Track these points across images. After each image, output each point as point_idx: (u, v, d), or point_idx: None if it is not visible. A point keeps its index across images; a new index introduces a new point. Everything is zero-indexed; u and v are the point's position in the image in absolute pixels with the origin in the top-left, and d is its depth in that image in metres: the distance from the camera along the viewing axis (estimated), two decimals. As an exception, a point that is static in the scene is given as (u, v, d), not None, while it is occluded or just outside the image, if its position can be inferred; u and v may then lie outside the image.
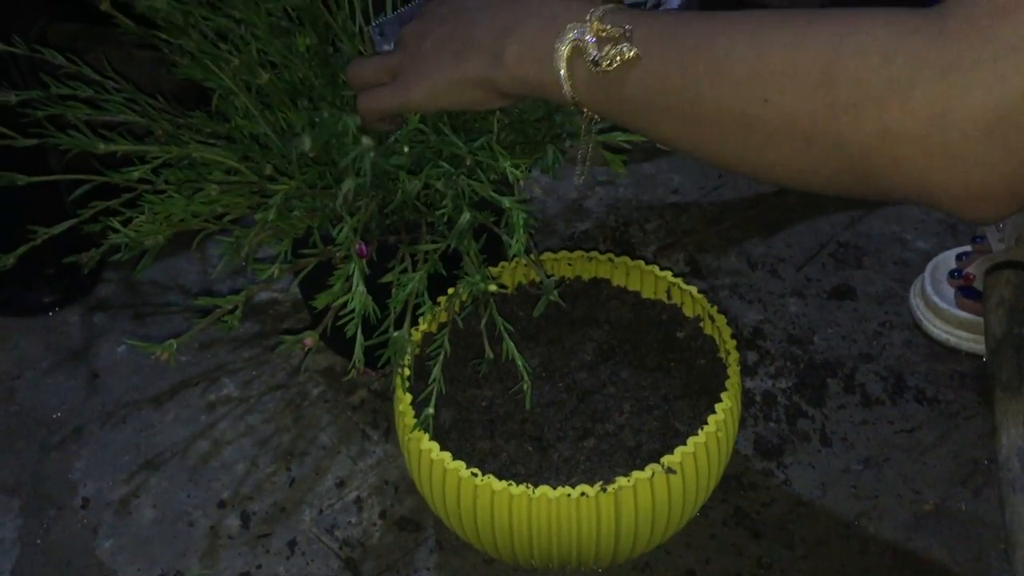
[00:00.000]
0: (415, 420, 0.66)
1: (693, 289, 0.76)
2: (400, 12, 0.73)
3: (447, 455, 0.64)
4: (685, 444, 0.64)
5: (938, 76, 0.41)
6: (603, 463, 0.67)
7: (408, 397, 0.68)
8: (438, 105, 0.62)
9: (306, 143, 0.63)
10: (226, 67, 0.72)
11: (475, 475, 0.63)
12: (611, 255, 0.79)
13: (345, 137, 0.66)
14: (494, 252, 0.76)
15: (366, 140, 0.64)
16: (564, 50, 0.54)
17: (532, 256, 0.76)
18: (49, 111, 0.73)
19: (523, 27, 0.56)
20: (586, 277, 0.81)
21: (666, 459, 0.63)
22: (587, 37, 0.53)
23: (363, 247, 0.67)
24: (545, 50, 0.55)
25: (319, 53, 0.75)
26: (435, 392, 0.68)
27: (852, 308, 0.91)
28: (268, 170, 0.69)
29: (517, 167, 0.66)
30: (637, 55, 0.51)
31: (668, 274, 0.78)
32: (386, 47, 0.72)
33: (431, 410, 0.67)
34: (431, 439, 0.65)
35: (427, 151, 0.68)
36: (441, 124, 0.70)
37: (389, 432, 0.82)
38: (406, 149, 0.66)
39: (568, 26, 0.54)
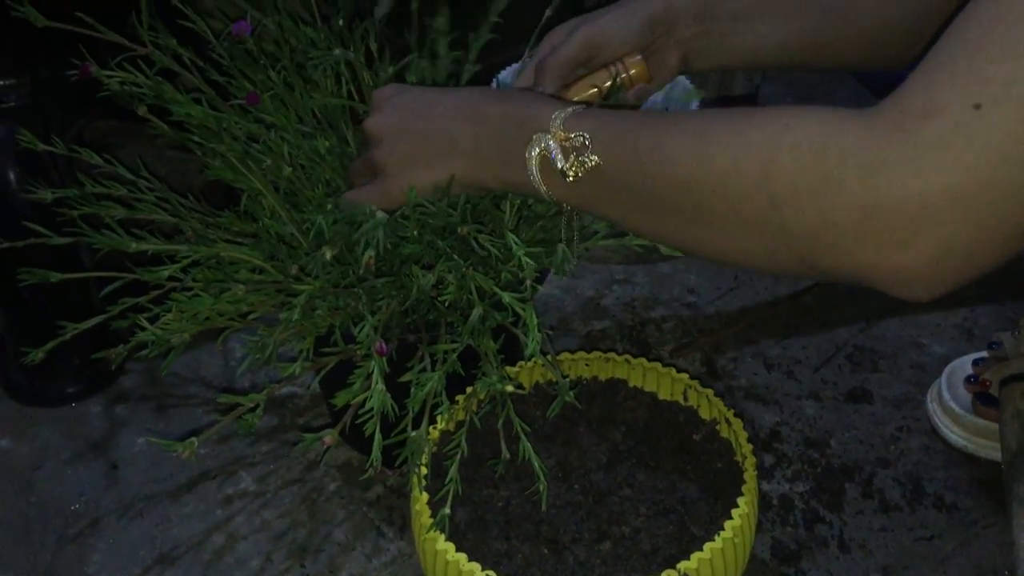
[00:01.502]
0: (431, 520, 0.66)
1: (710, 392, 0.76)
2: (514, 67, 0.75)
3: (462, 556, 0.64)
4: (701, 549, 0.64)
5: (866, 172, 0.45)
6: (619, 567, 0.66)
7: (425, 497, 0.68)
8: (421, 200, 0.66)
9: (327, 254, 0.65)
10: (255, 168, 0.74)
11: (490, 578, 0.63)
12: (628, 356, 0.80)
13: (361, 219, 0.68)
14: (512, 350, 0.76)
15: (380, 214, 0.66)
16: (534, 160, 0.59)
17: (549, 356, 0.77)
18: (84, 210, 0.75)
19: (498, 133, 0.61)
20: (603, 377, 0.81)
21: (682, 565, 0.63)
22: (552, 148, 0.57)
23: (383, 345, 0.68)
24: (518, 157, 0.59)
25: (340, 155, 0.78)
26: (451, 492, 0.68)
27: (869, 412, 0.91)
28: (294, 270, 0.71)
29: (530, 257, 0.67)
30: (598, 163, 0.56)
31: (685, 376, 0.78)
32: None
33: (447, 510, 0.67)
34: (447, 539, 0.65)
35: (436, 238, 0.70)
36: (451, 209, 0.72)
37: (404, 529, 0.82)
38: (416, 233, 0.68)
39: (535, 137, 0.58)
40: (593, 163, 0.56)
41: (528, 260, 0.67)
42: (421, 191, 0.65)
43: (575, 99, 0.73)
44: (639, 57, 0.72)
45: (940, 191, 0.44)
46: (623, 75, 0.72)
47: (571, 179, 0.57)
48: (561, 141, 0.57)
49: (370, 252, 0.65)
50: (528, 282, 0.69)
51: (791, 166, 0.47)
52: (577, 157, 0.56)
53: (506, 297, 0.67)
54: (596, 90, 0.72)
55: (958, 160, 0.43)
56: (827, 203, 0.46)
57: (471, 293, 0.70)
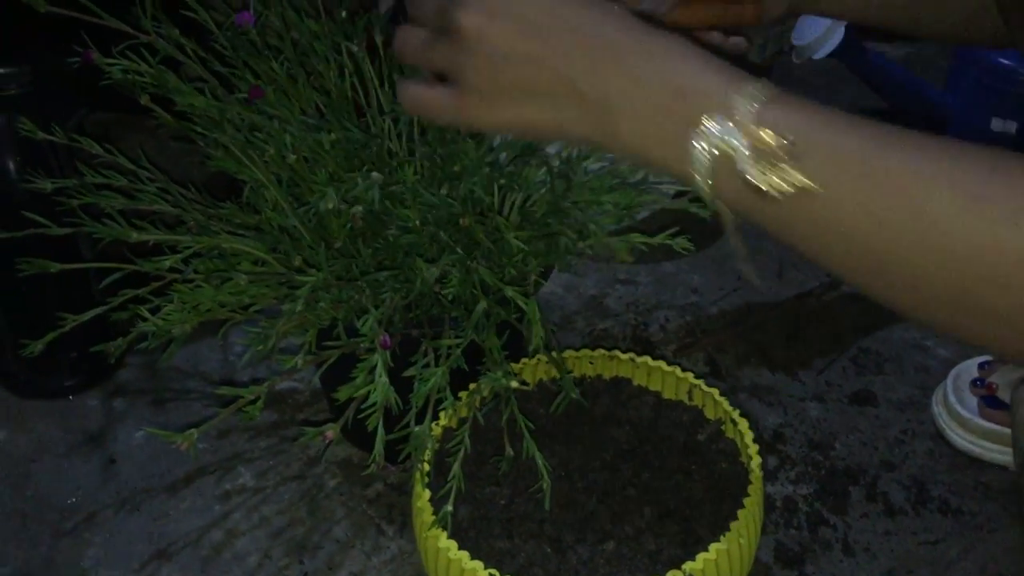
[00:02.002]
0: (433, 518, 0.66)
1: (715, 391, 0.76)
2: None
3: (465, 554, 0.63)
4: (707, 550, 0.63)
5: None
6: (623, 568, 0.66)
7: (427, 494, 0.67)
8: (502, 132, 0.53)
9: (331, 199, 0.64)
10: (258, 159, 0.73)
11: (493, 577, 0.62)
12: (632, 355, 0.79)
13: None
14: (516, 347, 0.76)
15: (376, 175, 0.66)
16: (705, 155, 0.42)
17: (553, 353, 0.76)
18: (84, 200, 0.74)
19: (641, 90, 0.44)
20: (607, 376, 0.81)
21: (688, 566, 0.62)
22: (738, 148, 0.41)
23: (387, 339, 0.67)
24: (674, 138, 0.43)
25: (345, 148, 0.77)
26: (454, 489, 0.67)
27: (873, 414, 0.91)
28: (297, 262, 0.70)
29: (529, 260, 0.67)
30: (810, 187, 0.40)
31: (690, 375, 0.77)
32: None
33: (450, 508, 0.66)
34: (449, 537, 0.65)
35: (439, 229, 0.69)
36: (452, 199, 0.71)
37: (404, 527, 0.81)
38: (417, 223, 0.67)
39: (706, 124, 0.42)
40: (802, 185, 0.40)
41: (531, 257, 0.66)
42: (512, 127, 0.49)
43: (683, 15, 0.63)
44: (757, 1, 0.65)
45: None
46: (736, 8, 0.65)
47: (761, 193, 0.41)
48: (753, 140, 0.41)
49: (358, 208, 0.63)
50: (532, 277, 0.68)
51: None
52: (776, 167, 0.41)
53: (508, 291, 0.67)
54: (705, 15, 0.64)
55: None
56: None
57: (475, 287, 0.69)
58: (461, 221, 0.68)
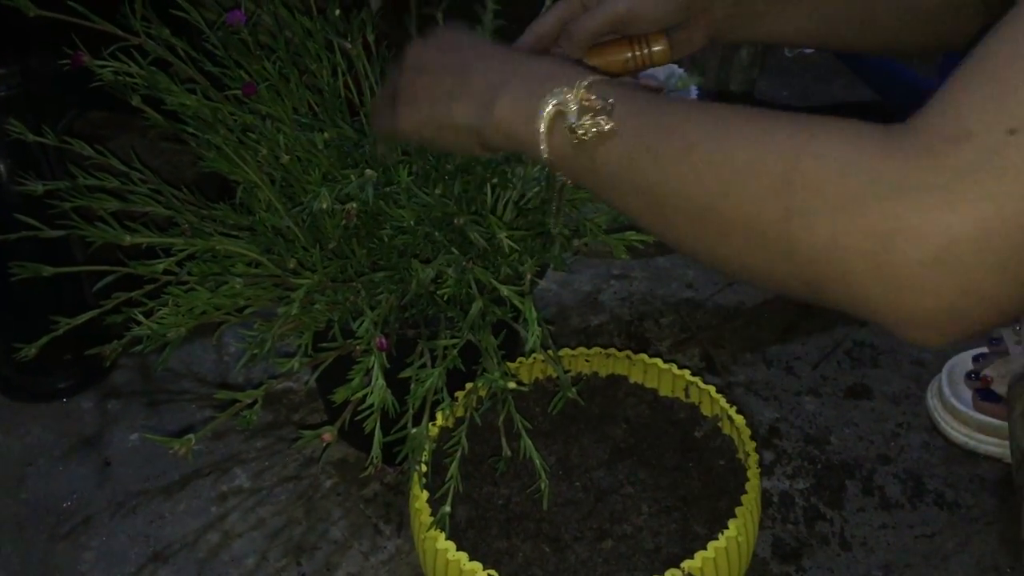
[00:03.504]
0: (431, 518, 0.66)
1: (711, 388, 0.76)
2: None
3: (463, 555, 0.63)
4: (705, 548, 0.63)
5: (891, 195, 0.41)
6: (621, 566, 0.66)
7: (425, 495, 0.67)
8: (423, 138, 0.63)
9: (325, 198, 0.64)
10: (251, 160, 0.73)
11: (492, 577, 0.62)
12: (629, 353, 0.79)
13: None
14: (511, 346, 0.76)
15: (369, 172, 0.65)
16: (547, 112, 0.54)
17: (550, 352, 0.76)
18: (76, 203, 0.74)
19: (515, 83, 0.57)
20: (603, 374, 0.80)
21: (686, 564, 0.62)
22: (571, 103, 0.53)
23: (383, 340, 0.67)
24: (531, 109, 0.55)
25: (339, 148, 0.77)
26: (451, 490, 0.67)
27: (869, 408, 0.91)
28: (292, 264, 0.69)
29: (524, 260, 0.66)
30: (612, 130, 0.52)
31: (686, 373, 0.77)
32: None
33: (448, 508, 0.66)
34: (447, 538, 0.64)
35: (433, 229, 0.69)
36: (446, 199, 0.71)
37: (401, 527, 0.81)
38: (412, 223, 0.67)
39: (555, 89, 0.54)
40: (607, 129, 0.52)
41: (526, 256, 0.66)
42: (422, 125, 0.62)
43: (589, 64, 0.70)
44: (665, 40, 0.69)
45: (969, 225, 0.39)
46: (644, 51, 0.69)
47: (578, 139, 0.52)
48: (581, 100, 0.53)
49: (352, 204, 0.63)
50: (528, 276, 0.68)
51: (812, 177, 0.44)
52: (592, 118, 0.52)
53: (504, 290, 0.66)
54: (612, 60, 0.70)
55: (990, 190, 0.39)
56: (844, 223, 0.42)
57: (470, 287, 0.69)
58: (456, 221, 0.67)
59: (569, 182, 0.57)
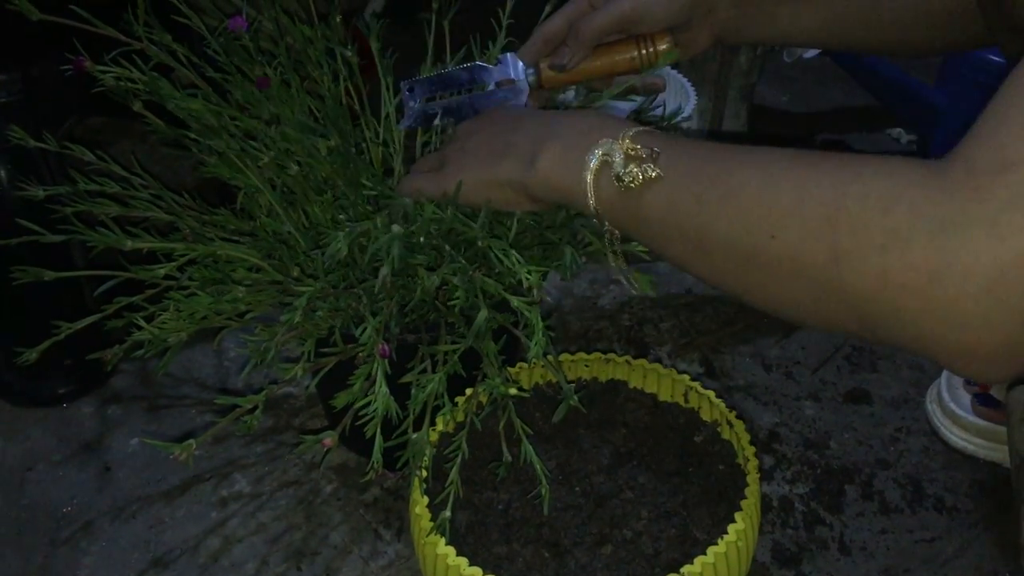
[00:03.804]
0: (432, 524, 0.66)
1: (711, 393, 0.76)
2: (431, 77, 0.75)
3: (463, 560, 0.63)
4: (705, 553, 0.63)
5: (937, 230, 0.41)
6: (621, 571, 0.66)
7: (425, 500, 0.67)
8: (470, 199, 0.65)
9: (342, 248, 0.64)
10: (253, 165, 0.73)
11: (493, 582, 0.62)
12: (628, 358, 0.79)
13: (372, 233, 0.67)
14: (511, 351, 0.76)
15: (396, 228, 0.65)
16: (593, 163, 0.56)
17: (551, 358, 0.76)
18: (77, 207, 0.74)
19: (560, 137, 0.59)
20: (603, 379, 0.81)
21: (686, 569, 0.62)
22: (616, 153, 0.55)
23: (386, 348, 0.67)
24: (576, 160, 0.57)
25: (342, 155, 0.77)
26: (452, 495, 0.67)
27: (868, 412, 0.91)
28: (295, 272, 0.70)
29: (531, 273, 0.66)
30: (659, 176, 0.54)
31: (686, 378, 0.77)
32: (412, 104, 0.75)
33: (448, 513, 0.66)
34: (447, 543, 0.65)
35: (443, 240, 0.69)
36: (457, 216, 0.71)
37: (402, 532, 0.81)
38: (422, 239, 0.67)
39: (601, 141, 0.56)
40: (653, 175, 0.54)
41: (528, 277, 0.66)
42: (470, 185, 0.65)
43: (595, 63, 0.73)
44: (670, 39, 0.71)
45: (1018, 255, 0.39)
46: (650, 51, 0.71)
47: (625, 187, 0.55)
48: (627, 150, 0.55)
49: (385, 271, 0.63)
50: (535, 290, 0.68)
51: (857, 216, 0.44)
52: (639, 166, 0.54)
53: (515, 301, 0.66)
54: (618, 59, 0.72)
55: None
56: (891, 261, 0.42)
57: (477, 296, 0.69)
58: (480, 243, 0.67)
59: (617, 232, 0.59)
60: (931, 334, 0.42)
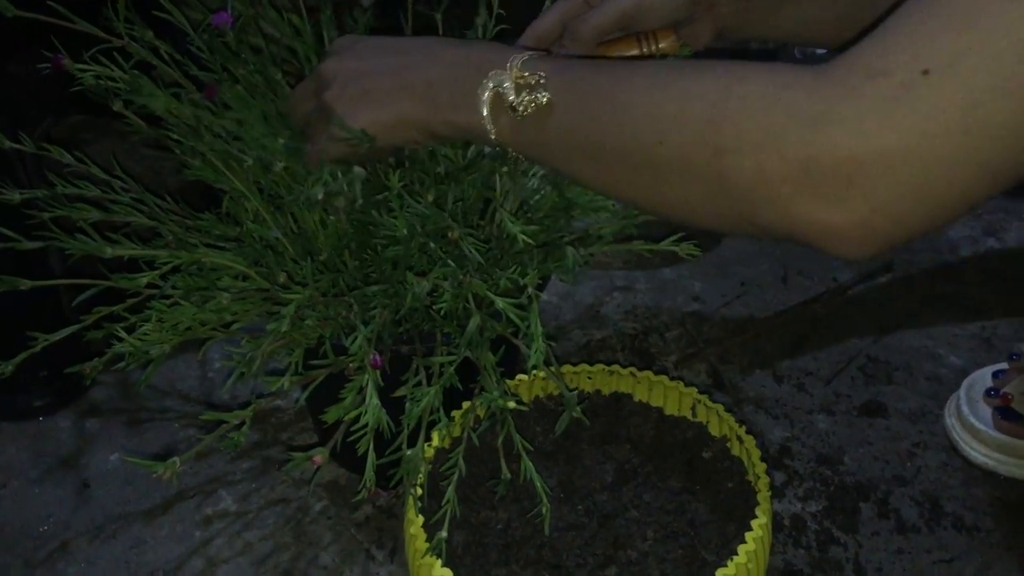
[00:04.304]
0: (427, 544, 0.63)
1: (720, 407, 0.73)
2: None
3: (460, 585, 0.60)
4: (713, 575, 0.60)
5: (808, 127, 0.46)
6: (627, 596, 0.63)
7: (420, 519, 0.64)
8: (376, 145, 0.63)
9: (318, 192, 0.62)
10: (238, 168, 0.70)
11: (491, 610, 0.59)
12: (633, 369, 0.76)
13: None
14: (510, 362, 0.73)
15: (358, 169, 0.64)
16: (487, 96, 0.57)
17: (552, 369, 0.73)
18: (55, 212, 0.71)
19: (454, 74, 0.60)
20: (606, 391, 0.78)
21: (697, 594, 0.59)
22: (506, 84, 0.57)
23: (377, 358, 0.64)
24: (471, 97, 0.58)
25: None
26: (448, 514, 0.64)
27: (884, 426, 0.88)
28: (282, 278, 0.67)
29: (525, 275, 0.64)
30: (550, 102, 0.56)
31: (693, 391, 0.75)
32: None
33: (444, 533, 0.63)
34: (443, 565, 0.61)
35: (428, 240, 0.66)
36: (443, 207, 0.68)
37: (395, 552, 0.78)
38: (405, 232, 0.64)
39: (491, 74, 0.57)
40: (545, 100, 0.56)
41: (526, 238, 0.63)
42: (371, 131, 0.62)
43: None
44: (673, 35, 0.70)
45: (878, 151, 0.44)
46: (652, 47, 0.69)
47: (520, 116, 0.56)
48: (516, 79, 0.57)
49: (342, 199, 0.62)
50: (530, 289, 0.65)
51: (737, 116, 0.48)
52: (530, 94, 0.56)
53: (500, 303, 0.64)
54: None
55: (899, 123, 0.44)
56: (767, 155, 0.47)
57: (468, 301, 0.66)
58: (450, 234, 0.64)
59: (521, 158, 0.61)
60: (800, 218, 0.47)
